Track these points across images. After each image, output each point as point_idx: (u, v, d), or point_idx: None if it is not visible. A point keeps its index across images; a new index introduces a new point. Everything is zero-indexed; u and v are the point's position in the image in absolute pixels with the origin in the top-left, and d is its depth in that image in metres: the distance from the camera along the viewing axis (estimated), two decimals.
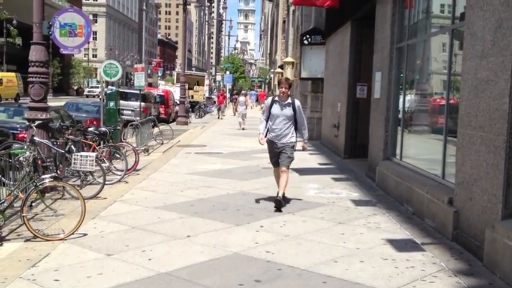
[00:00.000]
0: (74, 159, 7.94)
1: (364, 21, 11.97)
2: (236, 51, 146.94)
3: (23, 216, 5.76)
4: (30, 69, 8.63)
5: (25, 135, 9.48)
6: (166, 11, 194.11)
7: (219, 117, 31.92)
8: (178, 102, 27.80)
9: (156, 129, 16.50)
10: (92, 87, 69.53)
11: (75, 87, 73.48)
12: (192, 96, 40.66)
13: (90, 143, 9.87)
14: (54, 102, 20.69)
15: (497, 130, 5.07)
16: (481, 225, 5.30)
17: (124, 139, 13.69)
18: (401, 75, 9.09)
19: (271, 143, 7.82)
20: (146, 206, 7.61)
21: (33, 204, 6.30)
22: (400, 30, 9.00)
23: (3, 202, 6.19)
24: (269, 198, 7.94)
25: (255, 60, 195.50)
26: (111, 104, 13.72)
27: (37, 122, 8.43)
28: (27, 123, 8.71)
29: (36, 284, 4.55)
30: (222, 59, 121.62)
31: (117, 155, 10.33)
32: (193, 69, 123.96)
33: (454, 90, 6.83)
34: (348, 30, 13.15)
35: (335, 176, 10.60)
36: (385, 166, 9.07)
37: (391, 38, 9.09)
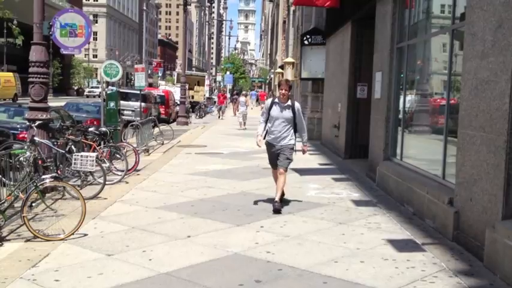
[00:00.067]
0: (75, 160, 7.94)
1: (365, 22, 11.96)
2: (236, 51, 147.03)
3: (24, 217, 5.76)
4: (31, 70, 8.63)
5: (25, 136, 9.48)
6: (166, 11, 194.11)
7: (219, 117, 31.94)
8: (178, 102, 27.80)
9: (156, 130, 16.49)
10: (92, 87, 69.61)
11: (76, 88, 73.53)
12: (193, 97, 40.68)
13: (91, 143, 9.87)
14: (54, 102, 20.68)
15: (498, 130, 5.06)
16: (481, 226, 5.30)
17: (124, 139, 13.68)
18: (402, 75, 9.08)
19: (269, 145, 7.75)
20: (146, 206, 7.61)
21: (34, 204, 6.30)
22: (400, 31, 8.99)
23: (4, 202, 6.20)
24: (269, 199, 7.93)
25: (256, 61, 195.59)
26: (112, 104, 13.72)
27: (37, 122, 8.44)
28: (28, 123, 8.72)
29: (37, 284, 4.55)
30: (222, 59, 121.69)
31: (118, 155, 10.33)
32: (194, 69, 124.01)
33: (454, 91, 6.82)
34: (348, 30, 13.14)
35: (335, 176, 10.59)
36: (385, 166, 9.07)
37: (392, 38, 9.08)
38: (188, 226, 6.55)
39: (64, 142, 9.08)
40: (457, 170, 6.04)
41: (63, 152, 8.51)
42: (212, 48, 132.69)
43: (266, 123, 7.74)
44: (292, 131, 7.66)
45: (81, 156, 8.00)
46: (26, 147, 7.79)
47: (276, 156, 7.65)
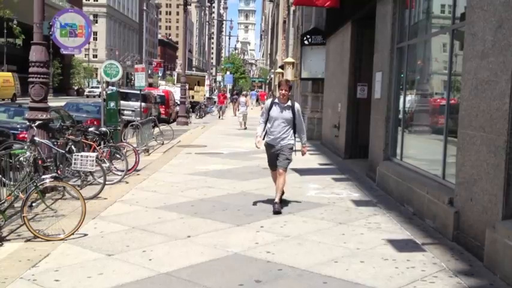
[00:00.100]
0: (75, 160, 7.94)
1: (365, 22, 11.96)
2: (236, 51, 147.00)
3: (24, 217, 5.76)
4: (31, 70, 8.63)
5: (26, 136, 9.48)
6: (166, 11, 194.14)
7: (219, 118, 31.95)
8: (178, 102, 27.80)
9: (156, 130, 16.49)
10: (92, 87, 69.63)
11: (76, 88, 73.54)
12: (193, 97, 40.67)
13: (91, 143, 9.87)
14: (54, 102, 20.69)
15: (498, 130, 5.06)
16: (481, 226, 5.30)
17: (124, 139, 13.68)
18: (402, 75, 9.08)
19: (269, 146, 7.67)
20: (146, 206, 7.61)
21: (34, 204, 6.29)
22: (400, 31, 8.99)
23: (4, 202, 6.20)
24: (269, 199, 7.92)
25: (256, 61, 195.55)
26: (112, 104, 13.72)
27: (37, 122, 8.44)
28: (28, 123, 8.72)
29: (37, 284, 4.55)
30: (222, 59, 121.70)
31: (118, 155, 10.33)
32: (194, 69, 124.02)
33: (454, 91, 6.82)
34: (348, 30, 13.14)
35: (335, 176, 10.60)
36: (385, 166, 9.07)
37: (392, 38, 9.08)
38: (188, 226, 6.55)
39: (64, 142, 9.08)
40: (457, 170, 6.04)
41: (63, 152, 8.51)
42: (212, 48, 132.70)
43: (266, 123, 7.67)
44: (292, 131, 7.60)
45: (81, 156, 8.00)
46: (26, 147, 7.79)
47: (276, 157, 7.59)
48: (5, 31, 45.94)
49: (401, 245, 5.81)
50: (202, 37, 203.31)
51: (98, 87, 55.08)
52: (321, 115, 18.17)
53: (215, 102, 41.88)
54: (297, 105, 7.64)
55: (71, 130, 10.49)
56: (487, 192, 5.26)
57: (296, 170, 10.37)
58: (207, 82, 47.48)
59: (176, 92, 30.61)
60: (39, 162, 7.24)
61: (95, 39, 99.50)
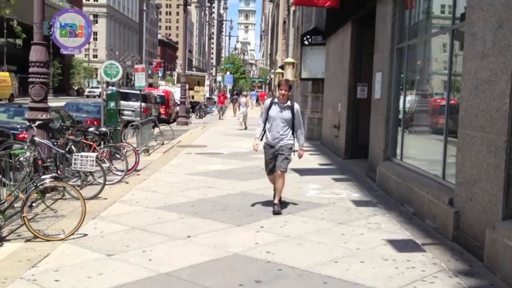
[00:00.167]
0: (75, 160, 7.94)
1: (365, 22, 11.96)
2: (236, 51, 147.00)
3: (24, 217, 5.76)
4: (31, 70, 8.64)
5: (25, 136, 9.48)
6: (166, 12, 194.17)
7: (220, 118, 31.95)
8: (178, 102, 27.81)
9: (156, 130, 16.50)
10: (92, 87, 69.62)
11: (76, 88, 73.54)
12: (193, 97, 40.68)
13: (91, 143, 9.87)
14: (54, 102, 20.69)
15: (498, 130, 5.06)
16: (481, 226, 5.30)
17: (124, 139, 13.68)
18: (402, 75, 9.08)
19: (267, 146, 7.52)
20: (146, 207, 7.61)
21: (34, 204, 6.29)
22: (400, 31, 8.99)
23: (4, 202, 6.20)
24: (269, 199, 7.91)
25: (256, 61, 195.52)
26: (112, 104, 13.72)
27: (37, 123, 8.44)
28: (28, 123, 8.72)
29: (37, 285, 4.55)
30: (222, 59, 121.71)
31: (118, 156, 10.33)
32: (194, 69, 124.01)
33: (454, 91, 6.82)
34: (348, 30, 13.15)
35: (335, 176, 10.59)
36: (385, 166, 9.07)
37: (392, 39, 9.08)
38: (188, 226, 6.55)
39: (64, 142, 9.08)
40: (457, 170, 6.04)
41: (63, 152, 8.51)
42: (212, 48, 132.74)
43: (265, 124, 7.58)
44: (291, 132, 7.51)
45: (81, 156, 8.00)
46: (26, 147, 7.79)
47: (274, 157, 7.45)
48: (5, 31, 45.93)
49: (402, 245, 5.81)
50: (202, 37, 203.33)
51: (98, 88, 55.08)
52: (321, 115, 18.17)
53: (215, 102, 41.89)
54: (296, 106, 7.56)
55: (71, 130, 10.49)
56: (487, 193, 5.26)
57: (296, 170, 10.37)
58: (207, 82, 47.51)
59: (176, 92, 30.61)
60: (39, 162, 7.24)
61: (95, 39, 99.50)
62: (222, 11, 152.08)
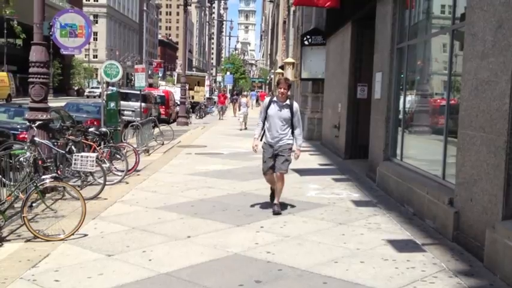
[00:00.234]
0: (75, 160, 7.94)
1: (365, 22, 11.97)
2: (237, 51, 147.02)
3: (24, 217, 5.76)
4: (31, 70, 8.64)
5: (26, 136, 9.48)
6: (166, 12, 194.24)
7: (220, 118, 31.94)
8: (178, 102, 27.82)
9: (156, 130, 16.50)
10: (92, 87, 69.64)
11: (76, 88, 73.57)
12: (193, 97, 40.69)
13: (91, 143, 9.88)
14: (54, 102, 20.70)
15: (498, 130, 5.06)
16: (481, 226, 5.30)
17: (124, 140, 13.69)
18: (402, 75, 9.08)
19: (266, 146, 7.44)
20: (146, 207, 7.61)
21: (34, 204, 6.30)
22: (400, 31, 8.99)
23: (4, 203, 6.19)
24: (269, 199, 7.91)
25: (256, 61, 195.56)
26: (112, 104, 13.73)
27: (38, 123, 8.44)
28: (28, 123, 8.72)
29: (37, 285, 4.55)
30: (222, 59, 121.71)
31: (118, 156, 10.33)
32: (194, 69, 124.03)
33: (454, 91, 6.82)
34: (348, 30, 13.15)
35: (335, 176, 10.59)
36: (385, 167, 9.07)
37: (392, 39, 9.08)
38: (188, 226, 6.55)
39: (64, 142, 9.08)
40: (457, 170, 6.04)
41: (63, 152, 8.51)
42: (212, 48, 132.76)
43: (264, 123, 7.50)
44: (291, 131, 7.41)
45: (81, 156, 8.00)
46: (26, 147, 7.80)
47: (273, 157, 7.37)
48: (5, 31, 45.91)
49: (402, 246, 5.81)
50: (203, 37, 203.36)
51: (98, 88, 55.08)
52: (321, 115, 18.17)
53: (215, 102, 41.89)
54: (295, 105, 7.47)
55: (71, 130, 10.49)
56: (487, 193, 5.26)
57: (296, 170, 10.37)
58: (207, 82, 47.52)
59: (176, 93, 30.62)
60: (39, 162, 7.25)
61: (95, 39, 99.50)
62: (222, 11, 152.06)
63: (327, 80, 16.96)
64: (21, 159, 6.59)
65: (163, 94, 28.91)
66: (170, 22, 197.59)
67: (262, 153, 7.57)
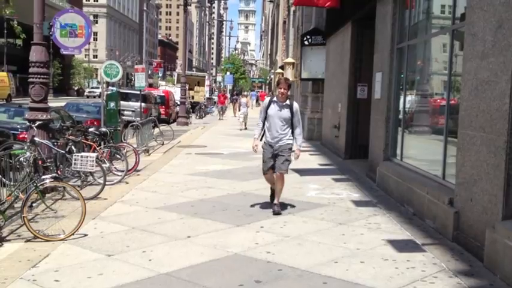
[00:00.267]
0: (75, 160, 7.94)
1: (365, 22, 11.97)
2: (237, 51, 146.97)
3: (24, 217, 5.76)
4: (31, 70, 8.64)
5: (26, 136, 9.48)
6: (166, 12, 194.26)
7: (220, 118, 31.94)
8: (178, 102, 27.82)
9: (156, 130, 16.50)
10: (92, 87, 69.67)
11: (76, 88, 73.58)
12: (193, 97, 40.69)
13: (91, 143, 9.88)
14: (54, 102, 20.68)
15: (498, 130, 5.06)
16: (481, 226, 5.30)
17: (124, 140, 13.69)
18: (402, 75, 9.08)
19: (266, 145, 7.42)
20: (146, 207, 7.61)
21: (34, 204, 6.30)
22: (400, 31, 8.99)
23: (4, 203, 6.19)
24: (269, 199, 7.91)
25: (256, 61, 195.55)
26: (112, 104, 13.73)
27: (38, 123, 8.44)
28: (28, 123, 8.72)
29: (37, 285, 4.55)
30: (222, 59, 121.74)
31: (118, 156, 10.33)
32: (194, 69, 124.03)
33: (454, 91, 6.82)
34: (348, 30, 13.15)
35: (335, 176, 10.59)
36: (385, 167, 9.07)
37: (392, 39, 9.08)
38: (188, 226, 6.55)
39: (64, 142, 9.08)
40: (457, 170, 6.04)
41: (63, 152, 8.51)
42: (212, 48, 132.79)
43: (264, 123, 7.49)
44: (291, 131, 7.40)
45: (81, 156, 8.00)
46: (26, 147, 7.79)
47: (273, 157, 7.36)
48: (5, 31, 45.89)
49: (402, 246, 5.81)
50: (203, 37, 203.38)
51: (98, 88, 55.09)
52: (321, 115, 18.17)
53: (215, 102, 41.89)
54: (295, 105, 7.45)
55: (71, 130, 10.49)
56: (487, 193, 5.26)
57: (296, 170, 10.37)
58: (207, 82, 47.51)
59: (176, 93, 30.63)
60: (39, 162, 7.25)
61: (95, 39, 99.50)
62: (222, 11, 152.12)
63: (327, 80, 16.96)
64: (21, 159, 6.59)
65: (163, 94, 28.91)
66: (170, 22, 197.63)
67: (262, 153, 7.56)
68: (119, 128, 13.44)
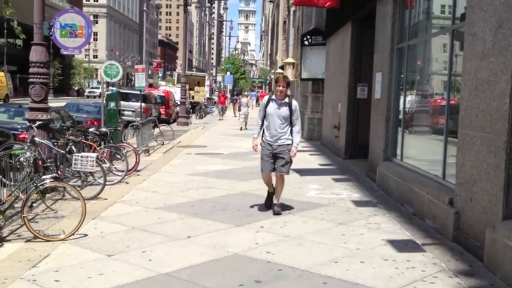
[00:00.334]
0: (75, 160, 7.94)
1: (365, 22, 11.97)
2: (237, 51, 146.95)
3: (24, 217, 5.76)
4: (31, 70, 8.64)
5: (26, 136, 9.49)
6: (167, 12, 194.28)
7: (220, 118, 31.93)
8: (179, 102, 27.82)
9: (156, 130, 16.50)
10: (92, 87, 69.66)
11: (76, 88, 73.59)
12: (193, 97, 40.69)
13: (91, 143, 9.88)
14: (54, 102, 20.68)
15: (498, 130, 5.07)
16: (481, 226, 5.30)
17: (125, 140, 13.69)
18: (402, 75, 9.09)
19: (265, 144, 7.34)
20: (147, 207, 7.61)
21: (34, 204, 6.30)
22: (400, 31, 9.00)
23: (4, 203, 6.19)
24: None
25: (256, 61, 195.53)
26: (112, 104, 13.73)
27: (38, 123, 8.45)
28: (28, 123, 8.72)
29: (37, 285, 4.55)
30: (222, 59, 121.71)
31: (118, 156, 10.34)
32: (194, 69, 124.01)
33: (454, 91, 6.82)
34: (348, 30, 13.15)
35: (336, 176, 10.59)
36: (385, 167, 9.07)
37: (392, 39, 9.09)
38: (188, 226, 6.55)
39: (64, 142, 9.08)
40: (457, 170, 6.04)
41: (64, 152, 8.51)
42: (212, 48, 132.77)
43: (263, 122, 7.40)
44: (290, 130, 7.29)
45: (82, 156, 8.00)
46: (26, 147, 7.80)
47: (273, 157, 7.28)
48: (5, 31, 45.87)
49: (402, 246, 5.81)
50: (203, 37, 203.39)
51: (98, 88, 55.05)
52: (321, 115, 18.16)
53: (215, 102, 41.88)
54: (294, 103, 7.36)
55: (71, 130, 10.49)
56: (487, 193, 5.26)
57: (296, 170, 10.36)
58: (207, 82, 47.52)
59: (176, 93, 30.64)
60: (40, 162, 7.25)
61: (95, 39, 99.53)
62: (222, 12, 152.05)
63: (327, 80, 16.95)
64: (22, 159, 6.59)
65: (163, 94, 28.91)
66: (170, 22, 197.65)
67: (260, 152, 7.48)
68: (119, 128, 13.44)
